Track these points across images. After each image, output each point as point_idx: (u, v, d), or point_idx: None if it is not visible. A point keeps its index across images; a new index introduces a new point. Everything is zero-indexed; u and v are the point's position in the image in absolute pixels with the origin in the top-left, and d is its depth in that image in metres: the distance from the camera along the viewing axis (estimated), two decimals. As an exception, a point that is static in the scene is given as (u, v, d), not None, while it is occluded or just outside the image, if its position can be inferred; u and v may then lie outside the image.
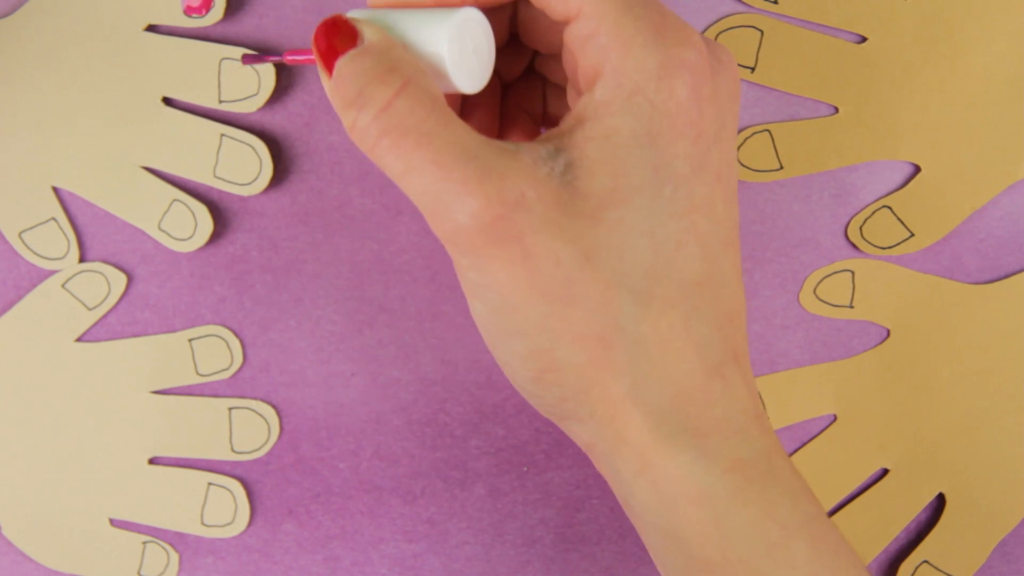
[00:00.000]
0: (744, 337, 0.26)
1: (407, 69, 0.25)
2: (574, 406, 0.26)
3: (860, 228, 0.38)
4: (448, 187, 0.23)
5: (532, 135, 0.32)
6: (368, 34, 0.26)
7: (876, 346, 0.38)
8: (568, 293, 0.24)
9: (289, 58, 0.28)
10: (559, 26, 0.27)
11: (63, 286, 0.37)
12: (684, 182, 0.25)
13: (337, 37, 0.26)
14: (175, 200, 0.37)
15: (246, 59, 0.31)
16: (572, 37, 0.25)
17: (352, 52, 0.25)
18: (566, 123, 0.25)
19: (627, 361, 0.25)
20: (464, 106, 0.31)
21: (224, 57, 0.36)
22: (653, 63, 0.24)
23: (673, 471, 0.25)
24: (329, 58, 0.26)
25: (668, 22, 0.24)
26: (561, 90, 0.31)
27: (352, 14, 0.27)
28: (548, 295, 0.24)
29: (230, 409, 0.37)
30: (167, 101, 0.36)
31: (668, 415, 0.25)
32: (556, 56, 0.30)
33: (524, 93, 0.32)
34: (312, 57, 0.27)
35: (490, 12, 0.28)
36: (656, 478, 0.25)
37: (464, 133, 0.24)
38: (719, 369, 0.25)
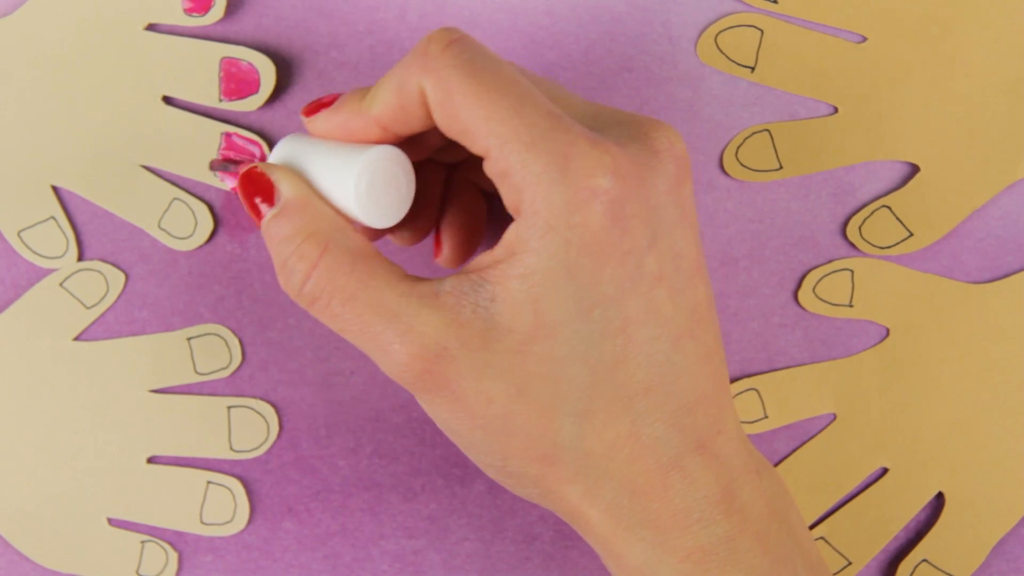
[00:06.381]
0: (715, 417, 0.26)
1: (325, 229, 0.26)
2: (540, 502, 0.27)
3: (859, 228, 0.38)
4: (376, 346, 0.25)
5: (478, 205, 0.32)
6: (285, 190, 0.27)
7: (875, 345, 0.38)
8: (505, 425, 0.25)
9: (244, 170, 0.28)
10: None
11: (61, 285, 0.37)
12: (612, 303, 0.25)
13: (257, 193, 0.27)
14: (175, 199, 0.37)
15: (214, 164, 0.32)
16: (489, 172, 0.25)
17: (272, 212, 0.27)
18: (498, 250, 0.25)
19: (575, 472, 0.26)
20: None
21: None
22: (562, 200, 0.24)
23: (631, 561, 0.26)
24: (255, 212, 0.27)
25: (576, 151, 0.24)
26: None
27: (272, 157, 0.29)
28: (486, 428, 0.25)
29: (229, 408, 0.37)
30: (167, 100, 0.36)
31: (626, 510, 0.26)
32: None
33: (474, 166, 0.31)
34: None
35: (418, 135, 0.28)
36: (619, 563, 0.27)
37: (384, 288, 0.25)
38: (677, 463, 0.26)
